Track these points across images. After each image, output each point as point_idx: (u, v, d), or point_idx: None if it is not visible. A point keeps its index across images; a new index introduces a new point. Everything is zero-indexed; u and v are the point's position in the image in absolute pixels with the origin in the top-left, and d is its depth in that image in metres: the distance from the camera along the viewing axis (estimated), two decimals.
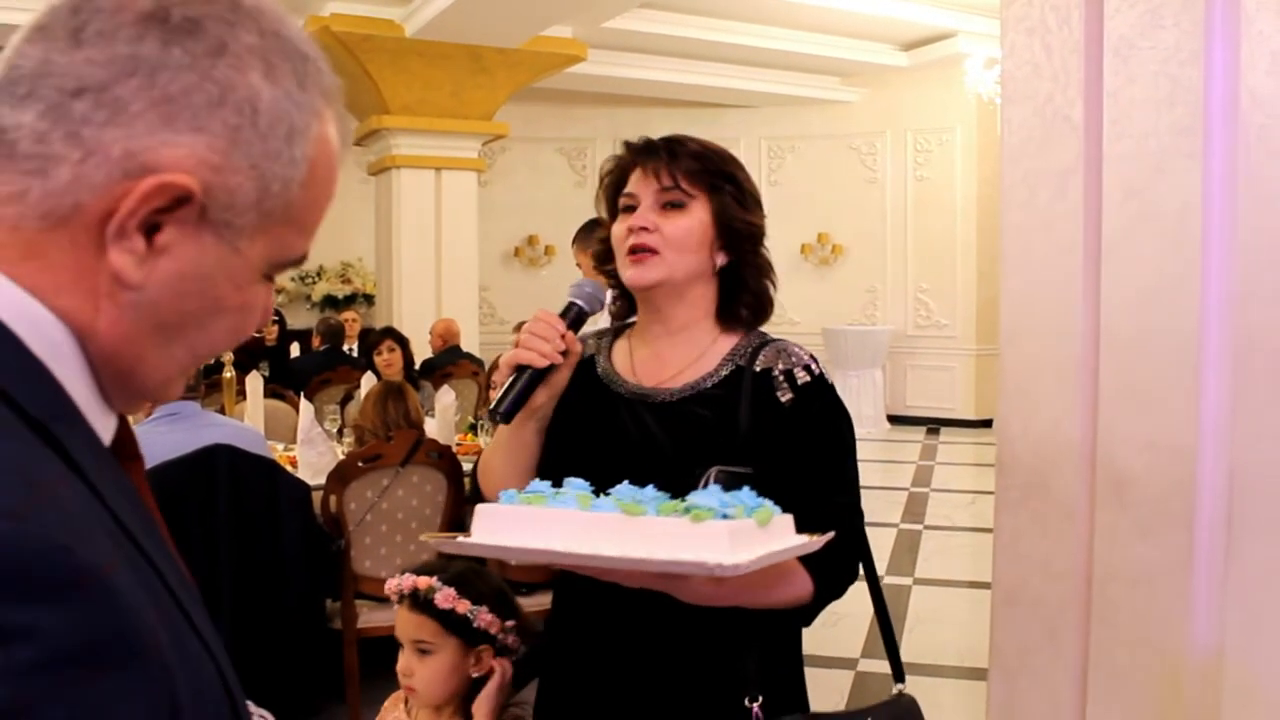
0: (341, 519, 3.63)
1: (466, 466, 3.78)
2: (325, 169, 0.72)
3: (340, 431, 5.03)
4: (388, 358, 6.32)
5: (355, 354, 7.93)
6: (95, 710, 0.52)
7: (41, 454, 0.59)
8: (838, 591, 1.52)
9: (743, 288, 1.62)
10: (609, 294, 1.68)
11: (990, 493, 1.70)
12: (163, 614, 0.60)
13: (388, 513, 3.70)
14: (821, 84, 11.60)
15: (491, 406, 1.51)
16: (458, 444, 4.65)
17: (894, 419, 11.62)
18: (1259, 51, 1.31)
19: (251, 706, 1.63)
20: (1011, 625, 1.63)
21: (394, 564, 3.56)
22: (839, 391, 1.63)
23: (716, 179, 1.58)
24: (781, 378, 1.57)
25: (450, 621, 1.98)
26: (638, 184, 1.58)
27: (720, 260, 1.59)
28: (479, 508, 1.31)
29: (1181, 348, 1.38)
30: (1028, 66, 1.55)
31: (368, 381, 5.52)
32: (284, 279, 11.42)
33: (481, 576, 2.08)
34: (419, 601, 2.00)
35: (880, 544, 6.25)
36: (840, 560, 1.47)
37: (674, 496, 1.25)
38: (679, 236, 1.55)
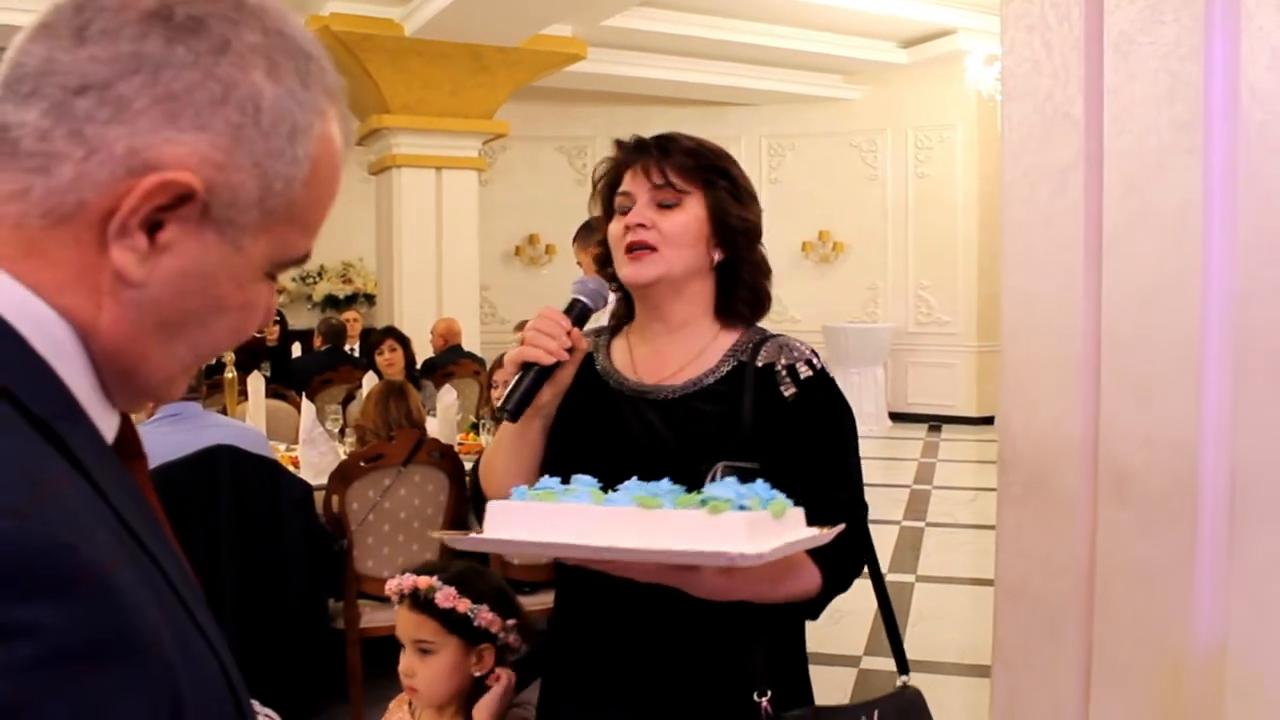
0: (344, 519, 3.63)
1: (468, 465, 3.78)
2: (328, 167, 0.72)
3: (342, 431, 5.04)
4: (389, 357, 6.32)
5: (357, 354, 7.94)
6: (96, 706, 0.52)
7: (44, 452, 0.59)
8: (844, 585, 1.53)
9: (740, 283, 1.62)
10: (612, 296, 1.68)
11: (992, 489, 1.71)
12: (165, 612, 0.60)
13: (390, 512, 3.70)
14: (822, 82, 11.59)
15: (499, 405, 1.51)
16: (459, 443, 4.65)
17: (895, 416, 11.62)
18: (1259, 47, 1.31)
19: (257, 706, 1.63)
20: (1014, 621, 1.63)
21: (396, 564, 3.57)
22: (840, 389, 1.63)
23: (710, 174, 1.59)
24: (784, 372, 1.57)
25: (451, 621, 1.98)
26: (632, 183, 1.58)
27: (717, 256, 1.60)
28: (491, 504, 1.30)
29: (1182, 343, 1.38)
30: (1028, 63, 1.55)
31: (369, 381, 5.52)
32: (285, 279, 11.41)
33: (482, 576, 2.08)
34: (419, 601, 2.00)
35: (883, 541, 6.25)
36: (847, 553, 1.48)
37: (686, 491, 1.25)
38: (675, 233, 1.55)
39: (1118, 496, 1.45)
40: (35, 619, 0.51)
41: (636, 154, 1.60)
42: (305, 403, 4.70)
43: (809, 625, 1.64)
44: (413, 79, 8.78)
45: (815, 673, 1.66)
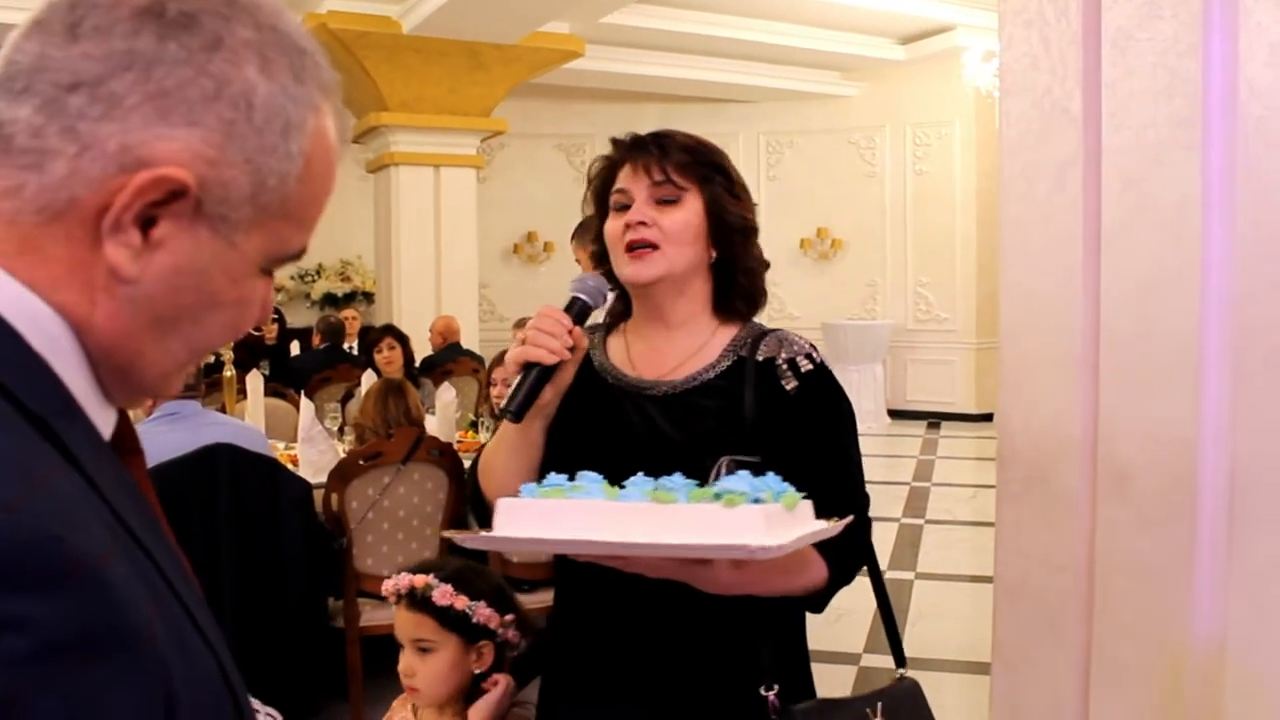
0: (343, 517, 3.63)
1: (467, 463, 3.78)
2: (323, 163, 0.72)
3: (341, 429, 5.04)
4: (388, 355, 6.32)
5: (355, 352, 7.93)
6: (88, 700, 0.52)
7: (40, 448, 0.59)
8: (849, 577, 1.54)
9: (737, 279, 1.62)
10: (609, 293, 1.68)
11: (991, 487, 1.70)
12: (160, 607, 0.60)
13: (389, 510, 3.70)
14: (820, 78, 11.58)
15: (501, 406, 1.50)
16: (458, 441, 4.65)
17: (894, 413, 11.62)
18: (1257, 43, 1.30)
19: (258, 705, 1.63)
20: (1013, 619, 1.63)
21: (395, 562, 3.57)
22: (839, 381, 1.64)
23: (707, 171, 1.59)
24: (785, 366, 1.57)
25: (449, 618, 1.98)
26: (629, 180, 1.58)
27: (715, 253, 1.60)
28: (500, 502, 1.29)
29: (1181, 339, 1.38)
30: (1026, 59, 1.55)
31: (368, 379, 5.52)
32: (283, 277, 11.41)
33: (479, 573, 2.08)
34: (416, 600, 2.00)
35: (882, 538, 6.23)
36: (852, 545, 1.49)
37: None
38: (676, 230, 1.55)
39: (1117, 493, 1.45)
40: (27, 612, 0.51)
41: (634, 151, 1.59)
42: (304, 401, 4.70)
43: (810, 624, 1.65)
44: (410, 76, 8.77)
45: (816, 670, 1.66)
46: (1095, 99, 1.46)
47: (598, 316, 1.76)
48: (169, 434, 3.31)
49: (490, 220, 10.84)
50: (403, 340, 6.48)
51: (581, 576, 1.52)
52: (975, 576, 5.58)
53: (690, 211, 1.56)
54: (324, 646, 3.65)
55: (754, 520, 1.17)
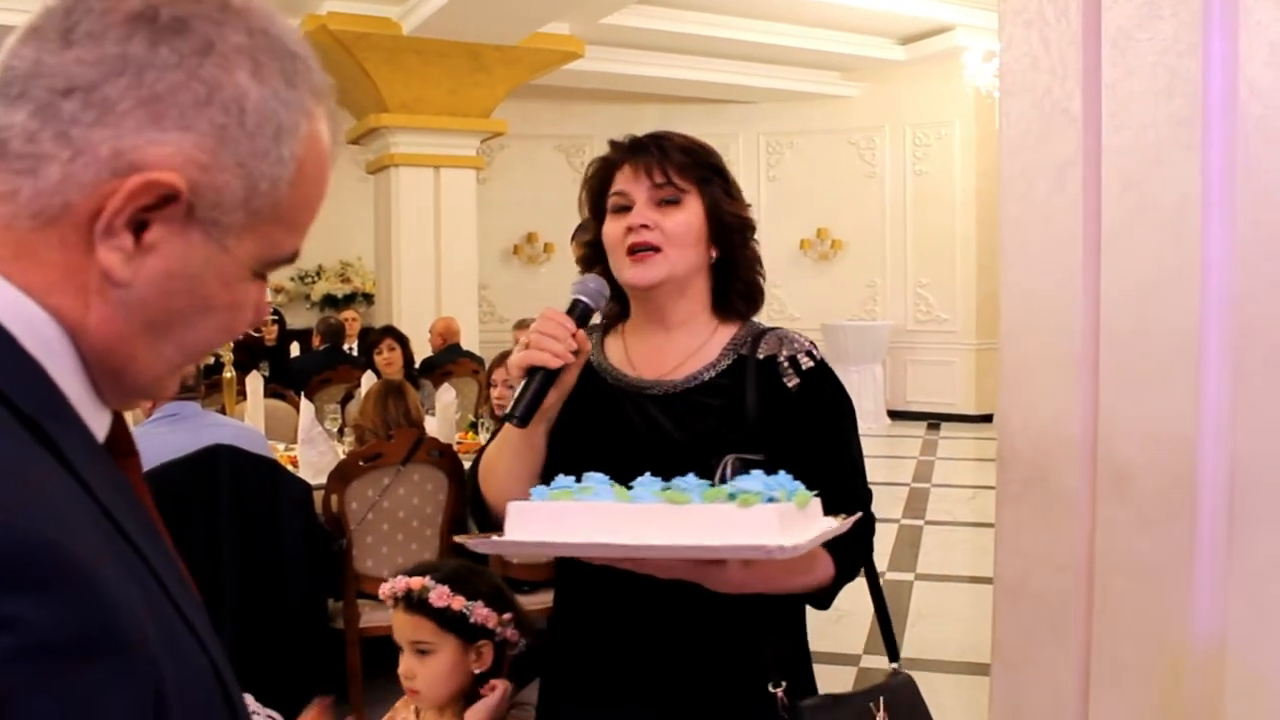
0: (343, 518, 3.63)
1: (467, 464, 3.78)
2: (315, 167, 0.73)
3: (341, 431, 5.03)
4: (388, 356, 6.32)
5: (355, 353, 7.93)
6: (79, 701, 0.52)
7: (34, 451, 0.60)
8: (854, 573, 1.55)
9: (736, 278, 1.63)
10: None
11: (991, 487, 1.70)
12: (153, 608, 0.60)
13: (389, 511, 3.70)
14: (820, 79, 11.58)
15: (506, 411, 1.49)
16: (458, 442, 4.65)
17: (894, 414, 11.62)
18: (1257, 42, 1.30)
19: (259, 706, 1.63)
20: (1013, 619, 1.63)
21: (395, 563, 3.56)
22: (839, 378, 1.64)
23: (705, 172, 1.59)
24: (786, 364, 1.58)
25: (446, 619, 1.97)
26: (628, 182, 1.57)
27: (714, 253, 1.60)
28: (511, 505, 1.29)
29: (1181, 339, 1.38)
30: (1026, 59, 1.55)
31: (368, 380, 5.52)
32: (283, 279, 11.42)
33: (477, 574, 2.07)
34: (414, 602, 2.00)
35: (881, 539, 6.22)
36: (858, 541, 1.49)
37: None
38: (679, 232, 1.55)
39: (1117, 494, 1.45)
40: (18, 613, 0.51)
41: (633, 153, 1.58)
42: (304, 402, 4.70)
43: (810, 624, 1.65)
44: (410, 78, 8.77)
45: (816, 671, 1.66)
46: (1095, 99, 1.46)
47: (595, 318, 1.76)
48: (169, 435, 3.31)
49: (490, 221, 10.84)
50: (403, 341, 6.48)
51: (582, 577, 1.51)
52: (975, 577, 5.58)
53: (691, 213, 1.56)
54: (324, 648, 3.64)
55: (770, 520, 1.17)
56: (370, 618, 3.65)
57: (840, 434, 1.59)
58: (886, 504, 7.32)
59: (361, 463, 3.66)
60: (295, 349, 8.88)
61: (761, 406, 1.55)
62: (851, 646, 4.49)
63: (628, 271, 1.56)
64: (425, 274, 9.30)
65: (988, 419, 10.11)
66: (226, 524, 3.33)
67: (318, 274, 12.00)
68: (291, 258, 0.74)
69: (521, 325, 6.70)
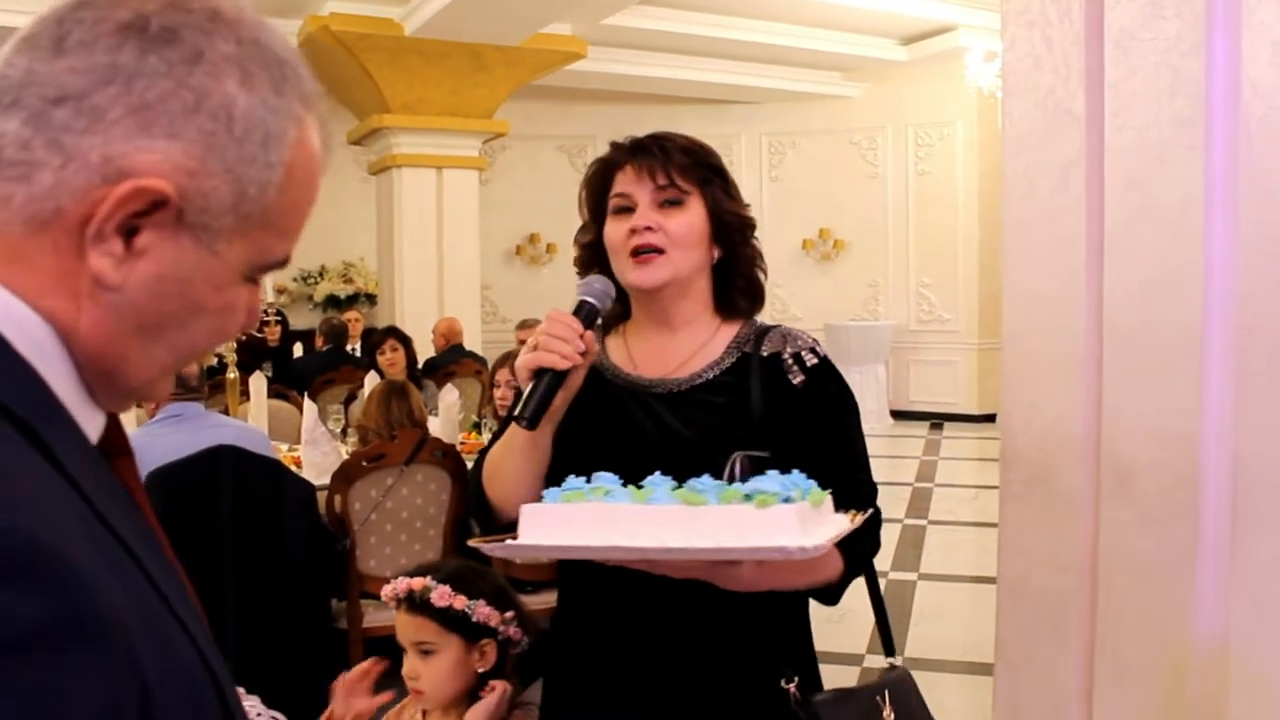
0: (346, 519, 3.64)
1: (470, 465, 3.78)
2: (305, 173, 0.74)
3: (344, 431, 5.04)
4: (391, 357, 6.33)
5: (358, 354, 7.94)
6: (54, 691, 0.53)
7: (23, 451, 0.61)
8: (861, 568, 1.55)
9: (738, 276, 1.63)
10: None
11: (994, 487, 1.71)
12: (137, 601, 0.61)
13: (392, 512, 3.71)
14: (822, 79, 11.58)
15: (516, 413, 1.48)
16: (461, 442, 4.66)
17: (897, 414, 11.61)
18: (1260, 42, 1.30)
19: (262, 709, 1.63)
20: (1016, 619, 1.63)
21: (399, 563, 3.57)
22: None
23: (706, 173, 1.59)
24: (791, 361, 1.58)
25: (449, 619, 1.97)
26: (630, 184, 1.57)
27: (717, 253, 1.60)
28: (525, 508, 1.28)
29: (1184, 338, 1.38)
30: (1029, 59, 1.55)
31: (371, 381, 5.52)
32: (286, 279, 11.43)
33: (478, 573, 2.07)
34: (416, 603, 2.00)
35: (884, 539, 6.22)
36: (866, 537, 1.49)
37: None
38: (682, 234, 1.55)
39: (1120, 493, 1.45)
40: None
41: (635, 154, 1.58)
42: (307, 403, 4.70)
43: (812, 624, 1.65)
44: (412, 78, 8.78)
45: (820, 670, 1.66)
46: (1098, 99, 1.46)
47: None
48: (172, 436, 3.32)
49: (492, 222, 10.85)
50: (405, 342, 6.49)
51: (585, 577, 1.51)
52: (978, 577, 5.58)
53: (694, 214, 1.56)
54: (327, 648, 3.65)
55: (788, 520, 1.17)
56: (374, 618, 3.65)
57: (845, 430, 1.60)
58: (889, 504, 7.30)
59: (365, 463, 3.67)
60: (298, 350, 8.89)
61: (766, 403, 1.55)
62: (854, 646, 4.49)
63: (631, 274, 1.56)
64: (428, 275, 9.30)
65: (990, 419, 10.11)
66: (229, 524, 3.33)
67: (320, 275, 12.00)
68: (283, 262, 0.76)
69: (524, 325, 6.70)
